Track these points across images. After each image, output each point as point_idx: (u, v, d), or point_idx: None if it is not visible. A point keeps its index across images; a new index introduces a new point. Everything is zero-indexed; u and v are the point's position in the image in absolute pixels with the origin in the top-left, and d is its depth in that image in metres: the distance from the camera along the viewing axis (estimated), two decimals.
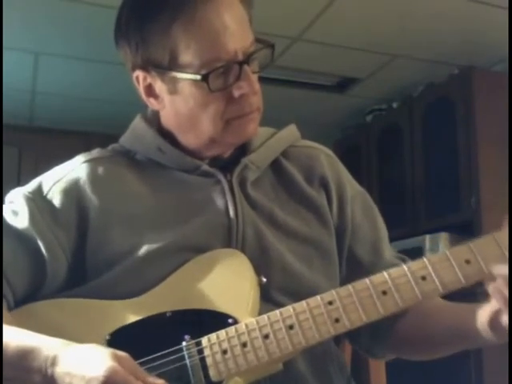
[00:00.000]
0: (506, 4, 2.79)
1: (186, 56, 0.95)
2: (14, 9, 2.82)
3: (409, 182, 3.71)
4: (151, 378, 0.80)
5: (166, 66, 0.97)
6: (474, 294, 3.26)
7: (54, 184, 1.01)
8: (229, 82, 0.96)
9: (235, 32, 0.94)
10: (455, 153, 3.37)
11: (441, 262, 0.86)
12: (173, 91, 0.99)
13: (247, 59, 0.96)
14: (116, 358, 0.79)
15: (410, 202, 3.70)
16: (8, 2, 2.65)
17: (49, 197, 1.00)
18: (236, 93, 0.96)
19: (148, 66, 0.99)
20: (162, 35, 0.95)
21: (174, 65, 0.96)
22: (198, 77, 0.94)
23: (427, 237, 3.37)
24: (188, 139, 1.03)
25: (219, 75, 0.95)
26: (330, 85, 3.91)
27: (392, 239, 4.09)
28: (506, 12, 2.85)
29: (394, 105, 4.00)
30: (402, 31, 3.17)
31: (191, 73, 0.95)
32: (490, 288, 0.84)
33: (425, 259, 0.86)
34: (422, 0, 2.86)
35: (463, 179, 3.30)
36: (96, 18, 2.81)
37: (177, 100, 1.00)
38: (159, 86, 1.00)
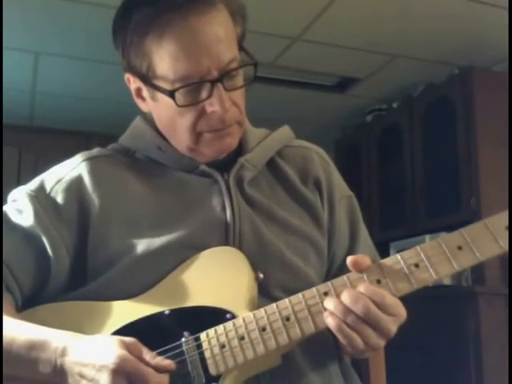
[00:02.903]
0: (506, 4, 2.79)
1: (161, 69, 0.96)
2: (13, 9, 2.82)
3: (409, 182, 3.72)
4: (159, 359, 0.82)
5: (145, 76, 0.99)
6: (474, 294, 3.25)
7: (56, 183, 1.02)
8: (200, 98, 0.96)
9: (210, 49, 0.94)
10: (455, 153, 3.37)
11: (433, 248, 0.87)
12: (154, 98, 1.02)
13: (221, 77, 0.95)
14: (125, 346, 0.81)
15: (410, 202, 3.70)
16: (8, 2, 2.65)
17: (52, 195, 1.01)
18: (208, 109, 0.97)
19: (132, 71, 1.01)
20: (138, 47, 0.97)
21: (152, 75, 0.98)
22: (167, 92, 0.96)
23: (427, 237, 3.37)
24: (174, 143, 1.05)
25: (191, 90, 0.96)
26: (330, 85, 3.92)
27: (392, 239, 4.09)
28: (506, 12, 2.85)
29: (394, 105, 4.00)
30: (402, 31, 3.17)
31: (165, 86, 0.96)
32: (331, 323, 0.85)
33: (417, 247, 0.87)
34: (422, 0, 2.86)
35: (463, 179, 3.30)
36: (96, 18, 2.82)
37: (158, 107, 1.02)
38: (144, 91, 1.03)
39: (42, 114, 4.32)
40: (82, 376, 0.81)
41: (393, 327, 0.87)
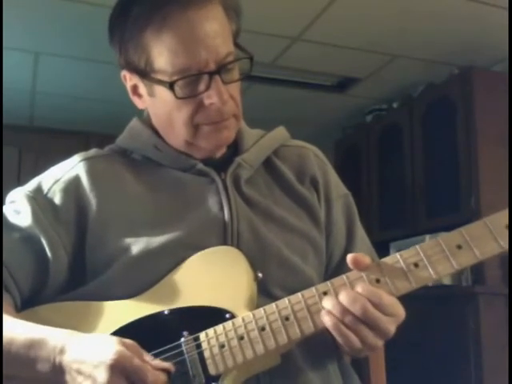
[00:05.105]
0: (506, 4, 2.79)
1: (160, 62, 0.97)
2: (13, 9, 2.82)
3: (409, 182, 3.72)
4: (157, 361, 0.83)
5: (142, 70, 1.00)
6: (474, 294, 3.25)
7: (53, 183, 1.02)
8: (198, 90, 0.98)
9: (208, 42, 0.95)
10: (455, 153, 3.37)
11: (432, 247, 0.86)
12: (151, 94, 1.02)
13: (219, 70, 0.97)
14: (123, 344, 0.82)
15: (410, 202, 3.70)
16: (8, 2, 2.65)
17: (49, 196, 1.01)
18: (206, 101, 0.98)
19: (129, 68, 1.02)
20: (137, 42, 0.98)
21: (150, 69, 0.99)
22: (167, 84, 0.97)
23: (427, 237, 3.37)
24: (170, 140, 1.06)
25: (189, 83, 0.97)
26: (330, 85, 3.92)
27: (392, 239, 4.09)
28: (506, 12, 2.85)
29: (394, 105, 4.00)
30: (402, 31, 3.17)
31: (164, 78, 0.97)
32: (328, 323, 0.85)
33: (417, 246, 0.87)
34: (422, 0, 2.86)
35: (463, 179, 3.30)
36: (96, 18, 2.81)
37: (155, 102, 1.03)
38: (141, 88, 1.04)
39: (42, 114, 4.32)
40: (79, 373, 0.82)
41: (391, 327, 0.87)
